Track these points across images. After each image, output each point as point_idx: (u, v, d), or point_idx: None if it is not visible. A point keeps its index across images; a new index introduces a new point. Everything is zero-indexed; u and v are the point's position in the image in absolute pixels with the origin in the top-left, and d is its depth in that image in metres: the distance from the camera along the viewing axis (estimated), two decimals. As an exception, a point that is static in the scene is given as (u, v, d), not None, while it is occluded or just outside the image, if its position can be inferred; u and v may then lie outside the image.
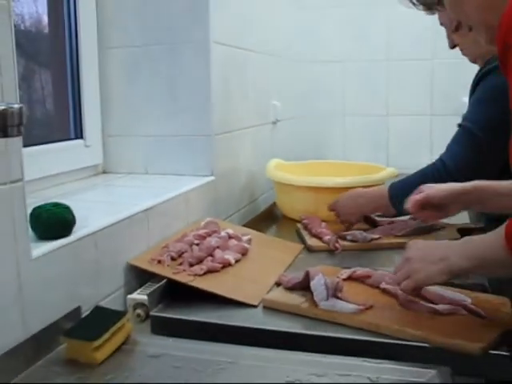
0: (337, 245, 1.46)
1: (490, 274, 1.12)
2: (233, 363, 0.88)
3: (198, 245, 1.29)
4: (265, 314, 1.08)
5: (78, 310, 0.99)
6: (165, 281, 1.15)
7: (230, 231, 1.41)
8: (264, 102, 2.10)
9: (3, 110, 0.71)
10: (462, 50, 1.48)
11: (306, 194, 1.74)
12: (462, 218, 1.56)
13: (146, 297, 1.09)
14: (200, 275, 1.16)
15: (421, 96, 2.47)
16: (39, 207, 1.01)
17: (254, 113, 1.97)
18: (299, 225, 1.67)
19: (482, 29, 0.87)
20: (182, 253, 1.24)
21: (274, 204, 1.99)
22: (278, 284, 1.19)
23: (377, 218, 1.62)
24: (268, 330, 1.01)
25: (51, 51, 1.62)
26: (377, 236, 1.50)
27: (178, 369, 0.87)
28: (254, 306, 1.10)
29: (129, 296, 1.12)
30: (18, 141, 0.85)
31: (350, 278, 1.18)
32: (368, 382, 0.82)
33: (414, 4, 1.44)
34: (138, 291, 1.13)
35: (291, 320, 1.04)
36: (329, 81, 2.57)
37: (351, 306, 1.03)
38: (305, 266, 1.25)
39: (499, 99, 1.29)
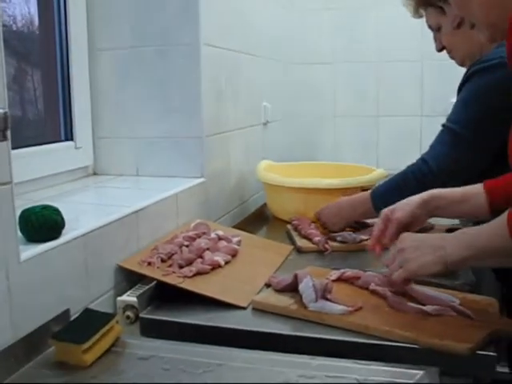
0: (326, 246, 1.47)
1: (486, 264, 1.09)
2: (222, 365, 0.88)
3: (187, 246, 1.29)
4: (254, 316, 1.08)
5: (67, 312, 0.98)
6: (154, 283, 1.14)
7: (220, 233, 1.41)
8: (255, 104, 2.10)
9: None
10: (449, 52, 1.49)
11: (296, 195, 1.74)
12: (452, 220, 1.57)
13: (135, 299, 1.09)
14: (189, 277, 1.16)
15: (411, 97, 2.49)
16: (28, 210, 1.01)
17: (245, 114, 1.97)
18: (289, 226, 1.68)
19: (484, 26, 0.88)
20: (172, 254, 1.24)
21: (265, 205, 1.99)
22: (267, 285, 1.19)
23: (366, 220, 1.63)
24: (257, 332, 1.01)
25: (41, 53, 1.62)
26: (366, 237, 1.50)
27: (167, 371, 0.87)
28: (244, 308, 1.10)
29: (118, 298, 1.11)
30: (4, 145, 0.85)
31: (339, 280, 1.19)
32: (356, 382, 0.82)
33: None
34: (128, 293, 1.12)
35: (280, 322, 1.04)
36: (319, 82, 2.58)
37: (340, 308, 1.03)
38: (295, 267, 1.25)
39: (482, 100, 1.31)
